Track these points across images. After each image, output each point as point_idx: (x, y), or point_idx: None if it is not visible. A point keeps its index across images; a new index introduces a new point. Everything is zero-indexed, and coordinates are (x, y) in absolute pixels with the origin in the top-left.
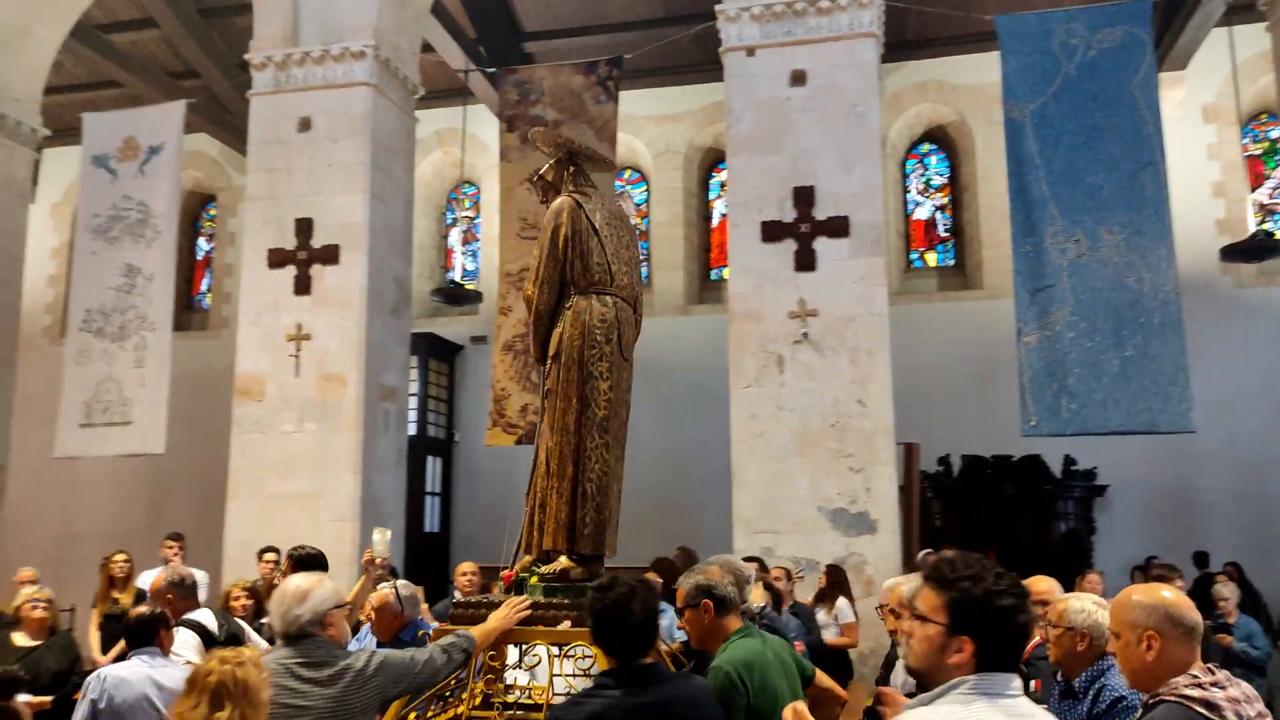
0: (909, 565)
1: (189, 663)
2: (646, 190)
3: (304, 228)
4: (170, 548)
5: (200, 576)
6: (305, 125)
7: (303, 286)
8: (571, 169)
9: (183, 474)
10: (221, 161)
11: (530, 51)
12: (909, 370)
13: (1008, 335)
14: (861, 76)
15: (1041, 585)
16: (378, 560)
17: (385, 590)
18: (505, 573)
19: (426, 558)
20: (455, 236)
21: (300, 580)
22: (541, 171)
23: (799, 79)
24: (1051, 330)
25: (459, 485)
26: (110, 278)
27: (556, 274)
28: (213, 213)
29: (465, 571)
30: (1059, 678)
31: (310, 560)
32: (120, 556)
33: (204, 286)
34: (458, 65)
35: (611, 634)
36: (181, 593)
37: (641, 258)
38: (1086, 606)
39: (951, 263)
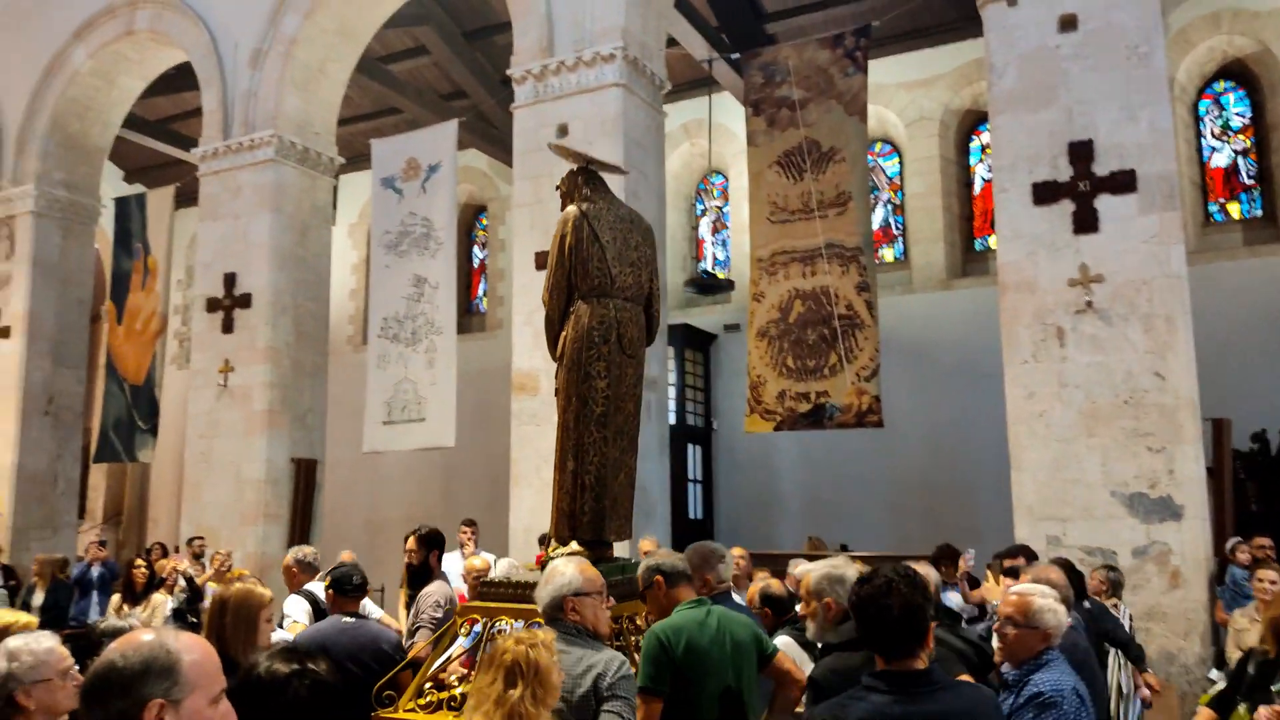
0: (1218, 554)
1: (295, 622)
2: (899, 161)
3: None
4: (464, 532)
5: (491, 560)
6: (563, 131)
7: None
8: (581, 179)
9: (470, 464)
10: (490, 174)
11: (773, 33)
12: (1214, 337)
13: None
14: (1141, 13)
15: None
16: None
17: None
18: (538, 554)
19: (692, 542)
20: (705, 226)
21: (556, 564)
22: (557, 184)
23: (1069, 24)
24: None
25: (720, 472)
26: (402, 288)
27: (564, 280)
28: (484, 222)
29: (736, 556)
30: (1003, 669)
31: (433, 537)
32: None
33: (480, 291)
34: (701, 55)
35: (870, 630)
36: (302, 567)
37: (888, 225)
38: (1054, 605)
39: (1259, 213)
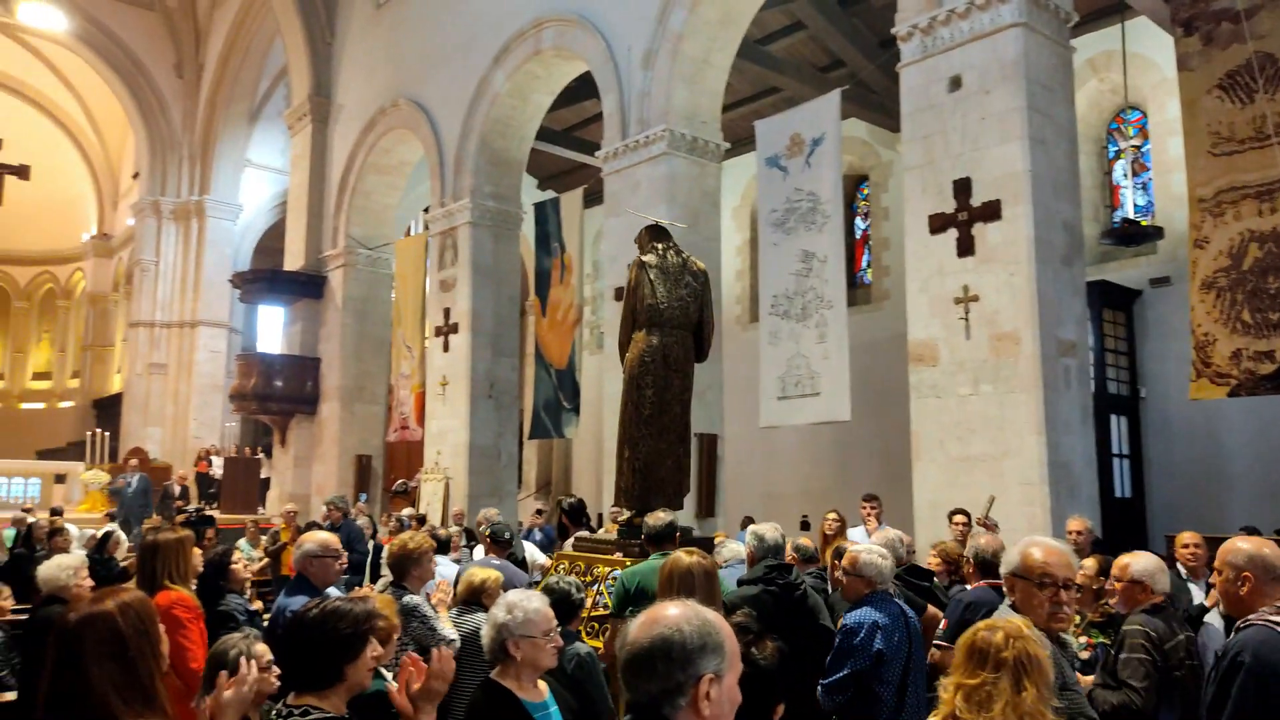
0: None
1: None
2: None
3: (962, 188)
4: (865, 507)
5: (890, 536)
6: (955, 84)
7: (965, 247)
8: (648, 234)
9: (863, 438)
10: (870, 141)
11: None
12: None
13: None
14: None
15: None
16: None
17: None
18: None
19: (1119, 524)
20: (1120, 170)
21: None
22: (635, 238)
23: None
24: None
25: (1150, 445)
26: (790, 264)
27: (628, 314)
28: (865, 191)
29: (1187, 543)
30: None
31: (576, 510)
32: (831, 515)
33: (864, 263)
34: None
35: None
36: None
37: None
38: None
39: None
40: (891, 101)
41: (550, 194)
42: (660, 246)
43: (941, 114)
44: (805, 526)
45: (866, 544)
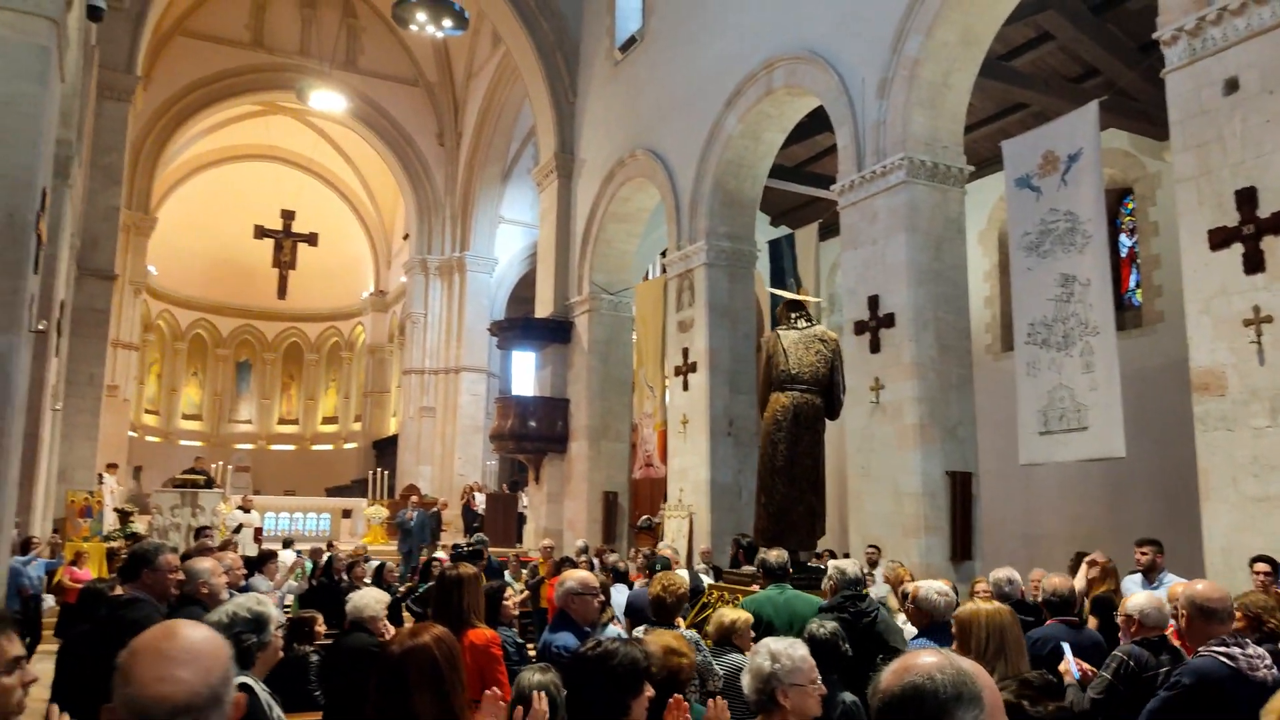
0: None
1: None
2: None
3: (1246, 198)
4: (1140, 551)
5: (999, 576)
6: (1231, 86)
7: (1254, 264)
8: (785, 307)
9: (1139, 474)
10: (1133, 152)
11: None
12: None
13: None
14: None
15: None
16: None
17: None
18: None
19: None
20: None
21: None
22: (776, 308)
23: None
24: None
25: None
26: (1047, 290)
27: (766, 378)
28: (1130, 206)
29: None
30: None
31: (750, 547)
32: (1100, 557)
33: (1131, 283)
34: None
35: None
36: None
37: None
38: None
39: None
40: (1156, 109)
41: (784, 230)
42: (794, 316)
43: (1216, 120)
44: (1075, 570)
45: (929, 582)
